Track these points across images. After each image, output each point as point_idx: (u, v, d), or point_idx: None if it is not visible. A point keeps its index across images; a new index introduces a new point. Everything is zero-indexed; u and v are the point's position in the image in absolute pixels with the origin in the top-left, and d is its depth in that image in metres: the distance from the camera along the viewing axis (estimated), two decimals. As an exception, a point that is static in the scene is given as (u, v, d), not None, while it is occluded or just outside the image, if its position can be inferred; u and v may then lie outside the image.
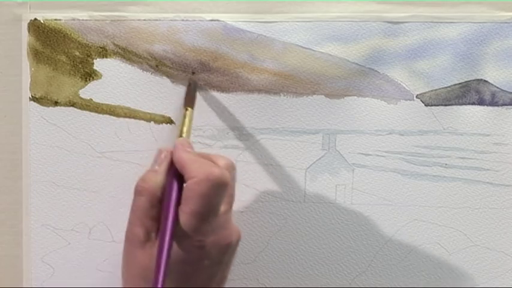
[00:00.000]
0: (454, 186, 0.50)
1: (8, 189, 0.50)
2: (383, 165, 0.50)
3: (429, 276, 0.50)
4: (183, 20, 0.48)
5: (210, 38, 0.48)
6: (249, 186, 0.50)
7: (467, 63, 0.49)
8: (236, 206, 0.49)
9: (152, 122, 0.49)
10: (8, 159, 0.49)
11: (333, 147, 0.50)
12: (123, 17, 0.48)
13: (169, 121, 0.49)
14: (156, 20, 0.48)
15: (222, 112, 0.49)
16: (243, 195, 0.50)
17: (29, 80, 0.49)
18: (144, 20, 0.48)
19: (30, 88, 0.49)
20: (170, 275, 0.40)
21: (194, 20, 0.48)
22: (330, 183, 0.50)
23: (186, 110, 0.46)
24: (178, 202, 0.41)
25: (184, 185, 0.41)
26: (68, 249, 0.50)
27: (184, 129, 0.45)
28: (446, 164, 0.50)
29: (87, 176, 0.50)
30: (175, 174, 0.42)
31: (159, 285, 0.38)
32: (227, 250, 0.43)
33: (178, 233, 0.40)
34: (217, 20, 0.48)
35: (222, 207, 0.42)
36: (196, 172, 0.40)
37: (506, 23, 0.48)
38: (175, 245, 0.40)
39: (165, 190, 0.42)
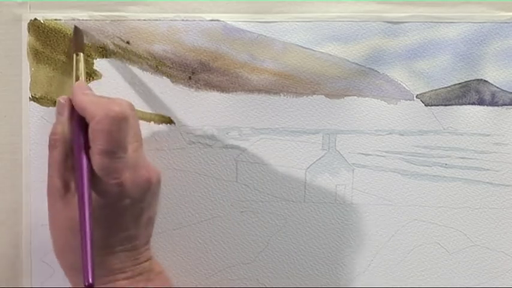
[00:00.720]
0: (454, 186, 0.50)
1: (8, 189, 0.50)
2: (383, 165, 0.50)
3: (429, 276, 0.50)
4: (183, 20, 0.48)
5: (210, 38, 0.48)
6: (249, 186, 0.50)
7: (467, 63, 0.49)
8: (236, 206, 0.49)
9: (152, 122, 0.49)
10: (8, 159, 0.49)
11: (333, 147, 0.50)
12: (123, 17, 0.48)
13: (169, 121, 0.49)
14: (156, 20, 0.48)
15: (222, 112, 0.49)
16: (243, 195, 0.50)
17: (29, 80, 0.49)
18: (144, 20, 0.48)
19: (30, 88, 0.49)
20: (95, 221, 0.40)
21: (194, 20, 0.48)
22: (330, 183, 0.50)
23: (77, 55, 0.47)
24: (88, 146, 0.41)
25: (89, 126, 0.41)
26: (68, 249, 0.50)
27: (79, 73, 0.46)
28: (446, 164, 0.50)
29: (87, 176, 0.50)
30: (79, 118, 0.42)
31: (87, 235, 0.39)
32: (148, 188, 0.43)
33: (94, 177, 0.41)
34: (217, 20, 0.48)
35: (131, 146, 0.42)
36: (96, 111, 0.41)
37: (506, 23, 0.48)
38: (93, 190, 0.41)
39: (73, 137, 0.43)
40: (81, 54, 0.47)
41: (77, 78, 0.46)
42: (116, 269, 0.43)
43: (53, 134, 0.43)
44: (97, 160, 0.41)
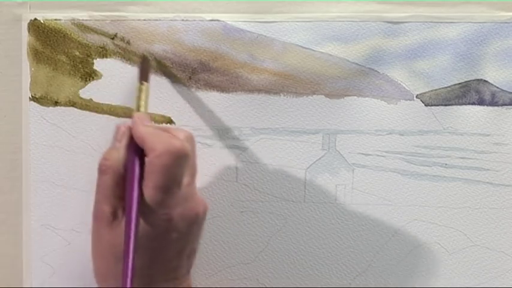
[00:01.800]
0: (454, 186, 0.50)
1: (8, 189, 0.50)
2: (383, 165, 0.50)
3: (429, 276, 0.50)
4: (183, 20, 0.48)
5: (210, 38, 0.48)
6: (249, 186, 0.50)
7: (467, 63, 0.49)
8: (236, 206, 0.49)
9: (152, 122, 0.49)
10: (8, 159, 0.49)
11: (333, 147, 0.50)
12: (123, 17, 0.48)
13: (169, 121, 0.49)
14: (156, 20, 0.48)
15: (222, 112, 0.49)
16: (243, 195, 0.50)
17: (29, 80, 0.49)
18: (144, 20, 0.48)
19: (30, 88, 0.49)
20: (139, 251, 0.40)
21: (194, 20, 0.48)
22: (330, 183, 0.50)
23: (142, 84, 0.46)
24: (142, 177, 0.41)
25: (146, 159, 0.41)
26: (68, 249, 0.50)
27: (142, 103, 0.45)
28: (446, 164, 0.50)
29: (87, 176, 0.50)
30: (136, 149, 0.42)
31: (130, 264, 0.39)
32: (195, 221, 0.43)
33: (143, 208, 0.41)
34: (217, 20, 0.48)
35: (185, 179, 0.42)
36: (157, 145, 0.40)
37: (506, 23, 0.48)
38: (142, 220, 0.41)
39: (127, 166, 0.42)
40: (146, 84, 0.46)
41: (138, 109, 0.45)
42: None
43: (105, 159, 0.42)
44: (150, 194, 0.40)
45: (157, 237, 0.41)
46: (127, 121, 0.45)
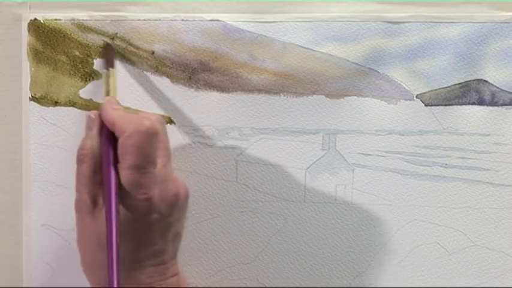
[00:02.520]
0: (454, 186, 0.50)
1: (8, 189, 0.50)
2: (383, 165, 0.50)
3: (429, 276, 0.50)
4: (183, 20, 0.48)
5: (210, 38, 0.48)
6: (249, 186, 0.50)
7: (467, 63, 0.49)
8: (236, 206, 0.49)
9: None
10: (8, 159, 0.49)
11: (333, 147, 0.50)
12: (123, 17, 0.48)
13: (170, 121, 0.49)
14: (156, 20, 0.48)
15: (222, 112, 0.49)
16: (243, 195, 0.50)
17: (29, 80, 0.49)
18: (144, 20, 0.48)
19: (30, 88, 0.49)
20: (123, 236, 0.41)
21: (194, 20, 0.48)
22: (330, 183, 0.50)
23: (108, 70, 0.47)
24: (117, 161, 0.42)
25: (118, 141, 0.42)
26: (68, 249, 0.50)
27: (110, 88, 0.46)
28: (446, 164, 0.50)
29: (87, 176, 0.50)
30: (108, 134, 0.43)
31: (114, 249, 0.39)
32: (175, 202, 0.43)
33: (122, 192, 0.41)
34: (217, 20, 0.48)
35: (160, 161, 0.42)
36: (127, 126, 0.41)
37: (506, 23, 0.48)
38: (122, 204, 0.41)
39: (102, 151, 0.43)
40: (112, 69, 0.47)
41: (107, 94, 0.46)
42: (144, 284, 0.43)
43: (81, 148, 0.43)
44: (126, 175, 0.41)
45: (138, 220, 0.42)
46: None
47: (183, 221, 0.46)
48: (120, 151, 0.41)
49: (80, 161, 0.43)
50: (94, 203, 0.42)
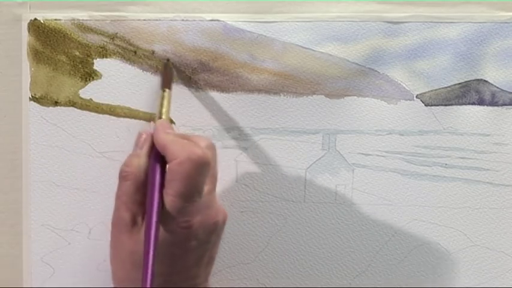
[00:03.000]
0: (454, 186, 0.50)
1: (7, 189, 0.50)
2: (383, 165, 0.50)
3: (429, 276, 0.51)
4: (183, 20, 0.48)
5: (210, 38, 0.48)
6: (249, 186, 0.50)
7: (467, 63, 0.49)
8: (236, 206, 0.49)
9: (152, 122, 0.49)
10: (8, 159, 0.49)
11: (333, 147, 0.50)
12: (123, 17, 0.48)
13: (170, 121, 0.49)
14: (156, 20, 0.48)
15: (222, 112, 0.49)
16: (243, 195, 0.50)
17: (29, 80, 0.49)
18: (144, 20, 0.48)
19: (30, 88, 0.49)
20: (158, 258, 0.40)
21: (194, 20, 0.48)
22: (330, 183, 0.50)
23: (164, 91, 0.46)
24: (162, 184, 0.41)
25: (167, 166, 0.41)
26: (68, 249, 0.50)
27: (163, 110, 0.45)
28: (446, 164, 0.50)
29: (87, 176, 0.50)
30: (157, 156, 0.42)
31: (149, 271, 0.39)
32: (214, 229, 0.43)
33: (164, 216, 0.41)
34: (217, 20, 0.48)
35: (206, 187, 0.42)
36: (178, 153, 0.40)
37: (506, 23, 0.48)
38: (162, 228, 0.41)
39: (148, 173, 0.42)
40: (168, 90, 0.46)
41: (160, 115, 0.45)
42: None
43: (126, 165, 0.43)
44: (171, 201, 0.40)
45: (176, 244, 0.41)
46: (148, 127, 0.46)
47: (218, 246, 0.45)
48: (168, 176, 0.41)
49: (123, 178, 0.42)
50: (133, 222, 0.42)
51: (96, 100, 0.49)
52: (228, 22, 0.48)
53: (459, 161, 0.50)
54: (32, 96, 0.49)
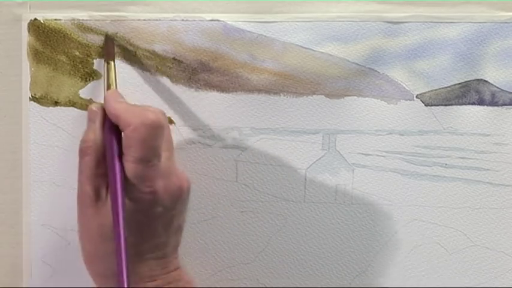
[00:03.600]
0: (454, 186, 0.50)
1: (7, 188, 0.50)
2: (383, 165, 0.50)
3: (429, 276, 0.50)
4: (183, 20, 0.48)
5: (210, 38, 0.48)
6: (249, 186, 0.50)
7: (467, 63, 0.49)
8: (236, 206, 0.49)
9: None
10: (8, 159, 0.49)
11: (333, 147, 0.50)
12: (123, 17, 0.48)
13: (169, 121, 0.49)
14: (156, 20, 0.48)
15: (222, 112, 0.49)
16: (243, 195, 0.50)
17: (29, 80, 0.49)
18: (144, 20, 0.48)
19: (30, 88, 0.49)
20: (126, 229, 0.40)
21: (194, 20, 0.48)
22: (330, 183, 0.50)
23: (108, 64, 0.47)
24: (121, 153, 0.42)
25: (123, 134, 0.41)
26: (68, 249, 0.50)
27: (111, 81, 0.46)
28: (446, 164, 0.50)
29: (87, 176, 0.50)
30: (112, 126, 0.43)
31: (122, 241, 0.39)
32: (179, 195, 0.43)
33: (127, 184, 0.41)
34: (217, 20, 0.48)
35: (164, 154, 0.42)
36: (131, 119, 0.41)
37: (506, 23, 0.48)
38: (126, 197, 0.41)
39: (105, 144, 0.43)
40: (112, 62, 0.47)
41: (109, 87, 0.46)
42: (146, 277, 0.43)
43: (84, 141, 0.43)
44: (131, 168, 0.41)
45: (143, 212, 0.42)
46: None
47: (184, 214, 0.46)
48: (124, 144, 0.41)
49: (82, 153, 0.43)
50: (97, 195, 0.42)
51: (96, 100, 0.49)
52: (228, 22, 0.48)
53: (459, 161, 0.50)
54: (32, 96, 0.49)
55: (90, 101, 0.49)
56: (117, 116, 0.42)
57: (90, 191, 0.42)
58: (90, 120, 0.44)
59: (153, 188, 0.41)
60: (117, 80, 0.47)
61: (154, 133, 0.41)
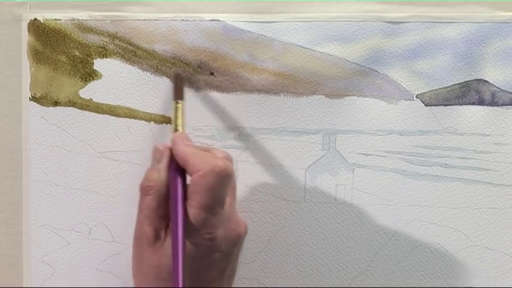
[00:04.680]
0: (454, 186, 0.50)
1: (7, 189, 0.50)
2: (383, 165, 0.50)
3: (429, 276, 0.50)
4: (183, 20, 0.48)
5: (210, 38, 0.48)
6: (249, 186, 0.50)
7: (467, 63, 0.49)
8: (236, 206, 0.49)
9: (152, 122, 0.49)
10: (8, 159, 0.49)
11: (333, 147, 0.50)
12: (123, 17, 0.48)
13: (169, 121, 0.49)
14: (156, 20, 0.48)
15: (222, 112, 0.49)
16: (243, 195, 0.50)
17: (29, 80, 0.49)
18: (144, 20, 0.48)
19: (30, 88, 0.49)
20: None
21: (194, 20, 0.48)
22: (330, 183, 0.50)
23: (177, 103, 0.46)
24: (185, 197, 0.41)
25: (189, 179, 0.41)
26: (68, 249, 0.50)
27: (179, 122, 0.45)
28: (446, 164, 0.50)
29: (87, 176, 0.50)
30: (178, 169, 0.42)
31: (180, 285, 0.39)
32: (237, 241, 0.43)
33: (188, 228, 0.40)
34: (217, 20, 0.48)
35: (227, 200, 0.42)
36: (201, 165, 0.40)
37: (506, 23, 0.48)
38: (186, 240, 0.40)
39: (170, 186, 0.42)
40: (181, 101, 0.46)
41: (176, 128, 0.45)
42: None
43: (147, 180, 0.42)
44: (194, 214, 0.40)
45: (200, 257, 0.41)
46: (161, 139, 0.46)
47: (238, 258, 0.45)
48: (190, 189, 0.40)
49: (144, 192, 0.42)
50: (156, 236, 0.42)
51: (96, 100, 0.49)
52: (228, 22, 0.48)
53: (459, 161, 0.50)
54: (32, 96, 0.49)
55: (90, 101, 0.49)
56: (185, 160, 0.41)
57: (149, 232, 0.42)
58: (155, 159, 0.43)
59: (213, 235, 0.41)
60: (184, 121, 0.45)
61: (223, 182, 0.40)
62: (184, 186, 0.41)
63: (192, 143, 0.44)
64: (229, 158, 0.43)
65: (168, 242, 0.41)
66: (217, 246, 0.41)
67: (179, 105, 0.46)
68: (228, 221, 0.42)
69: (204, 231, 0.41)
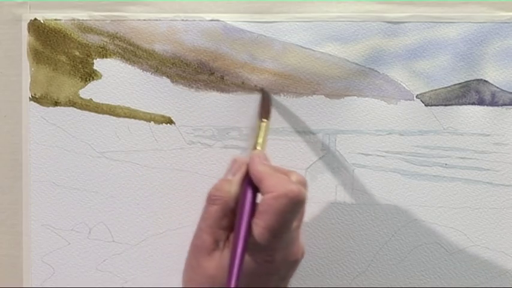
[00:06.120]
0: (454, 186, 0.50)
1: (8, 189, 0.50)
2: (383, 165, 0.50)
3: (429, 276, 0.50)
4: (183, 20, 0.48)
5: (210, 38, 0.48)
6: (249, 186, 0.50)
7: (467, 63, 0.49)
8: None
9: (152, 122, 0.49)
10: (8, 159, 0.49)
11: (333, 147, 0.50)
12: (123, 17, 0.48)
13: (169, 121, 0.49)
14: (156, 20, 0.48)
15: (222, 112, 0.49)
16: (243, 195, 0.50)
17: (29, 80, 0.49)
18: (144, 20, 0.48)
19: (30, 88, 0.49)
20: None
21: (194, 20, 0.48)
22: (330, 183, 0.50)
23: (262, 122, 0.45)
24: (252, 214, 0.40)
25: (260, 197, 0.40)
26: (68, 249, 0.50)
27: (260, 140, 0.44)
28: (446, 164, 0.50)
29: (87, 176, 0.50)
30: (250, 185, 0.41)
31: None
32: (294, 266, 0.42)
33: (249, 246, 0.40)
34: (217, 20, 0.48)
35: (294, 223, 0.41)
36: (275, 187, 0.40)
37: (506, 23, 0.48)
38: (245, 256, 0.40)
39: (239, 201, 0.41)
40: (267, 121, 0.45)
41: (256, 145, 0.44)
42: None
43: (216, 189, 0.42)
44: (260, 233, 0.40)
45: (256, 276, 0.41)
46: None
47: (290, 279, 0.44)
48: (260, 208, 0.40)
49: (211, 201, 0.42)
50: (215, 246, 0.41)
51: (96, 100, 0.49)
52: (228, 22, 0.48)
53: (459, 161, 0.50)
54: (32, 96, 0.49)
55: (90, 101, 0.49)
56: (260, 179, 0.41)
57: (209, 241, 0.41)
58: (230, 171, 0.43)
59: (273, 257, 0.40)
60: (265, 139, 0.45)
61: (294, 207, 0.40)
62: (254, 203, 0.41)
63: (268, 163, 0.43)
64: (304, 183, 0.42)
65: (226, 254, 0.41)
66: (274, 269, 0.41)
67: (264, 124, 0.45)
68: (289, 246, 0.41)
69: (264, 252, 0.40)
